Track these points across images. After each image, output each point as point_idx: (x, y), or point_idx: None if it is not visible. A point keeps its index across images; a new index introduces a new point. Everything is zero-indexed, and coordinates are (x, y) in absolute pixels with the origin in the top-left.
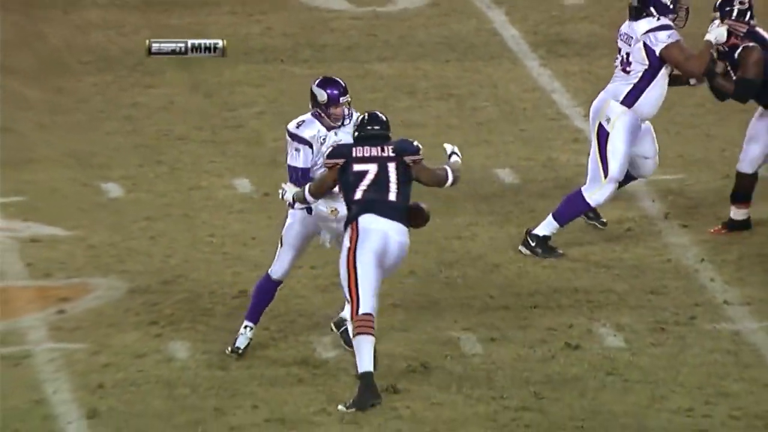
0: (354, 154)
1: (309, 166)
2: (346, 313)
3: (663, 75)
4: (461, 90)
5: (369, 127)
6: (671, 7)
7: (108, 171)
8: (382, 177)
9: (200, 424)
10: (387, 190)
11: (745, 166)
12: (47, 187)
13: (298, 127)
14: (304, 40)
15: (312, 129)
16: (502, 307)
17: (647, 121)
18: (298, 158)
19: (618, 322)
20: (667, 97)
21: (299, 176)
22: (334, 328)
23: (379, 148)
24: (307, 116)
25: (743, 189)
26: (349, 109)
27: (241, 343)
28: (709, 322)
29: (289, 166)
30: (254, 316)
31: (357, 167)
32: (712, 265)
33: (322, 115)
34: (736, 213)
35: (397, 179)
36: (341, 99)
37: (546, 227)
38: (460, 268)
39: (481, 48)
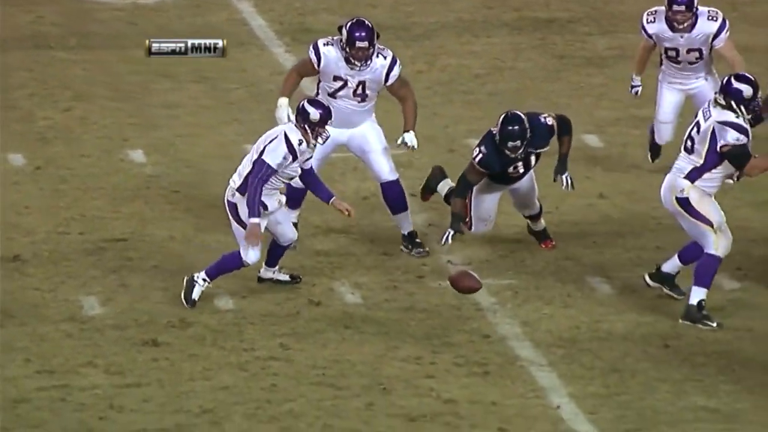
0: None
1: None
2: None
3: (321, 89)
4: (214, 74)
5: None
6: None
7: None
8: None
9: None
10: None
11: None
12: None
13: (299, 144)
14: (71, 28)
15: (302, 144)
16: (253, 268)
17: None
18: (278, 160)
19: (356, 281)
20: None
21: (267, 173)
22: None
23: None
24: (299, 134)
25: None
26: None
27: (196, 294)
28: (435, 281)
29: (266, 162)
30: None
31: None
32: (437, 229)
33: (307, 131)
34: None
35: None
36: (329, 121)
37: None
38: (214, 234)
39: (232, 36)
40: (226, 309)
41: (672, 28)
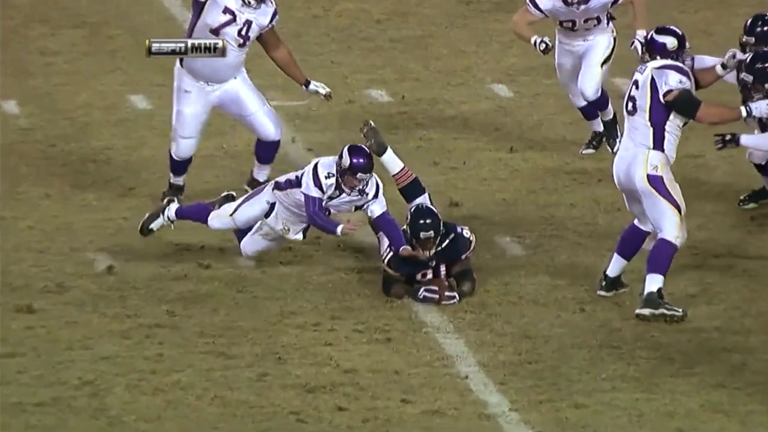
0: None
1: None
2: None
3: (202, 25)
4: (95, 18)
5: None
6: None
7: None
8: None
9: None
10: None
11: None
12: None
13: (326, 178)
14: None
15: (330, 180)
16: (135, 228)
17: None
18: (313, 191)
19: None
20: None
21: (316, 203)
22: None
23: None
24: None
25: None
26: (365, 183)
27: (156, 225)
28: (334, 242)
29: (306, 194)
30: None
31: None
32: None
33: (337, 174)
34: None
35: None
36: (359, 174)
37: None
38: (95, 191)
39: None
40: (108, 272)
41: (565, 3)
